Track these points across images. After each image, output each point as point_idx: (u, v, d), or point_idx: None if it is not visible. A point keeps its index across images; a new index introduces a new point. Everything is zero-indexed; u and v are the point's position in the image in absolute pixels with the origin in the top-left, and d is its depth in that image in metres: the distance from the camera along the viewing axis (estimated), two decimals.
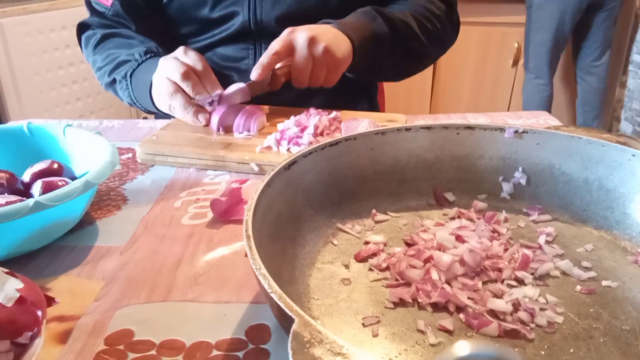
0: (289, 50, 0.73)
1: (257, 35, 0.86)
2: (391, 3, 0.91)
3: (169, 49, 0.79)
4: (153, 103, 0.79)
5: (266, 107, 0.81)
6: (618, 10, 2.31)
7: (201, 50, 0.90)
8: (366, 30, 0.80)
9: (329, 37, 0.75)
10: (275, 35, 0.84)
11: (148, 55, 0.82)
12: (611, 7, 2.26)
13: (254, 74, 0.72)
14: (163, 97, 0.74)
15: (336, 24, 0.78)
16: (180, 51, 0.74)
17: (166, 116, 0.97)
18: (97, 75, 0.91)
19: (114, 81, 0.85)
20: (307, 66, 0.74)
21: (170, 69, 0.72)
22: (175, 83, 0.72)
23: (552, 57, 2.37)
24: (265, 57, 0.72)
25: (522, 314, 0.39)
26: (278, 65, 0.75)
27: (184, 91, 0.72)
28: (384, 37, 0.81)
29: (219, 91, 0.73)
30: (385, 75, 0.93)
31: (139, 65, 0.82)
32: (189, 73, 0.71)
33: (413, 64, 0.93)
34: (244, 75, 0.88)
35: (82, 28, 0.94)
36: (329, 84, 0.78)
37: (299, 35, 0.73)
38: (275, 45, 0.73)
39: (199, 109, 0.73)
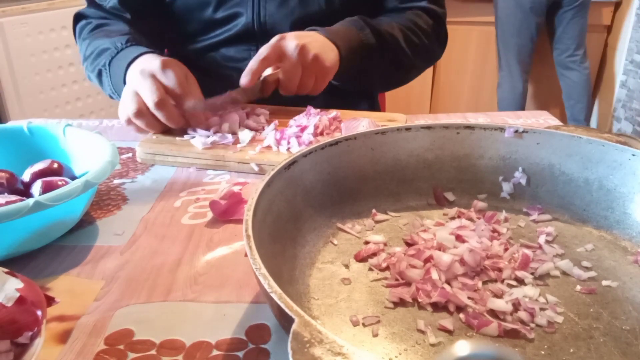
0: (278, 56, 0.73)
1: (260, 36, 0.86)
2: (381, 13, 0.91)
3: (170, 48, 0.79)
4: None
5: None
6: (587, 5, 2.35)
7: (203, 50, 0.90)
8: (353, 40, 0.80)
9: (318, 44, 0.75)
10: None
11: (128, 44, 0.79)
12: (576, 4, 2.30)
13: (244, 80, 0.71)
14: (126, 108, 0.69)
15: (324, 32, 0.78)
16: (157, 66, 0.68)
17: None
18: (84, 66, 0.89)
19: (99, 73, 0.83)
20: (296, 74, 0.74)
21: (144, 89, 0.67)
22: (144, 104, 0.68)
23: (521, 56, 2.42)
24: (254, 63, 0.71)
25: (522, 314, 0.39)
26: (268, 72, 0.75)
27: (149, 112, 0.68)
28: (371, 48, 0.82)
29: (199, 104, 0.70)
30: (372, 85, 0.93)
31: (117, 52, 0.79)
32: (163, 102, 0.67)
33: (399, 75, 0.93)
34: None
35: (77, 18, 0.93)
36: (315, 92, 0.78)
37: (289, 42, 0.73)
38: (264, 51, 0.72)
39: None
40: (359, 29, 0.81)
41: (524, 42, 2.39)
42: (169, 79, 0.68)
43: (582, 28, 2.39)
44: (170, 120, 0.69)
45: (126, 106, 0.69)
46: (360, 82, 0.89)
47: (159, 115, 0.68)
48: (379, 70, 0.87)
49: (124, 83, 0.75)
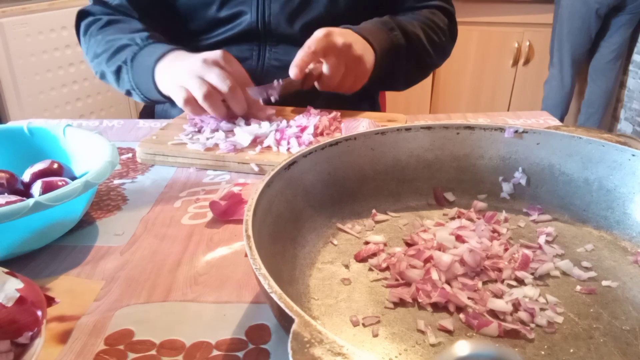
0: (325, 51, 0.72)
1: (263, 36, 0.86)
2: (398, 12, 0.91)
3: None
4: (156, 89, 0.76)
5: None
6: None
7: (204, 49, 0.90)
8: (385, 41, 0.81)
9: (361, 46, 0.75)
10: (281, 37, 0.84)
11: (150, 40, 0.80)
12: (634, 10, 2.27)
13: (293, 72, 0.71)
14: (193, 91, 0.70)
15: (359, 31, 0.78)
16: (220, 56, 0.71)
17: (163, 114, 0.96)
18: (92, 64, 0.88)
19: (118, 68, 0.82)
20: (340, 71, 0.74)
21: (213, 76, 0.69)
22: (212, 87, 0.69)
23: (576, 56, 2.40)
24: (303, 55, 0.71)
25: (522, 314, 0.39)
26: (311, 66, 0.75)
27: (217, 95, 0.70)
28: (400, 49, 0.82)
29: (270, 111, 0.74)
30: (395, 84, 0.93)
31: (140, 49, 0.79)
32: (235, 88, 0.69)
33: (420, 74, 0.94)
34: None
35: (82, 15, 0.91)
36: (350, 91, 0.78)
37: (337, 38, 0.72)
38: (313, 44, 0.71)
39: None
40: (390, 30, 0.82)
41: (582, 42, 2.37)
42: (234, 68, 0.71)
43: (629, 36, 2.37)
44: (239, 105, 0.71)
45: (192, 89, 0.70)
46: (386, 82, 0.88)
47: (231, 99, 0.70)
48: (404, 70, 0.87)
49: (152, 79, 0.76)
